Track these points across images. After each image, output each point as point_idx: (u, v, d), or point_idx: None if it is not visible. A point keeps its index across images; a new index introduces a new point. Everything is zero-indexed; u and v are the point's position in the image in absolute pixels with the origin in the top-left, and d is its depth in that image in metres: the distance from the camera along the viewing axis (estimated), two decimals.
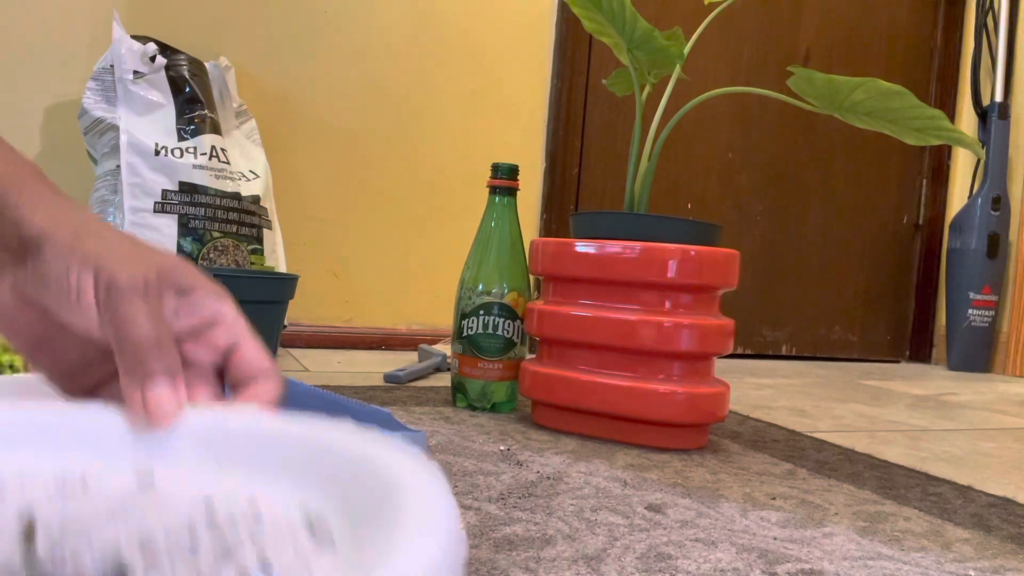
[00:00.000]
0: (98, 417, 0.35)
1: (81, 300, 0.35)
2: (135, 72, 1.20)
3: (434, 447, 0.70)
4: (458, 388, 0.90)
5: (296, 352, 1.36)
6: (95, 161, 1.24)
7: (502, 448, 0.72)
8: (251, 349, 0.40)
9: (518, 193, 0.92)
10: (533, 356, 0.88)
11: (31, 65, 1.29)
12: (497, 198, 0.91)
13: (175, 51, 1.27)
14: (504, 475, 0.63)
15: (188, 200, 1.17)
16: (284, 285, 0.87)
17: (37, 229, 0.36)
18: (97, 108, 1.19)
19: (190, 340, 0.39)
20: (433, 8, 1.54)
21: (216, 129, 1.23)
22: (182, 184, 1.17)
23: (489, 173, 0.92)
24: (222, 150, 1.22)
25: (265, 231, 1.25)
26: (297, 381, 0.72)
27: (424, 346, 1.30)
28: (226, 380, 0.40)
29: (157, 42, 1.24)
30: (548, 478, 0.63)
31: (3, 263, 0.37)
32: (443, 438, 0.74)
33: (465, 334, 0.89)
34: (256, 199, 1.24)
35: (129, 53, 1.20)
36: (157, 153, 1.16)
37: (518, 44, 1.61)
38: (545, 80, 1.64)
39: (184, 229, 1.16)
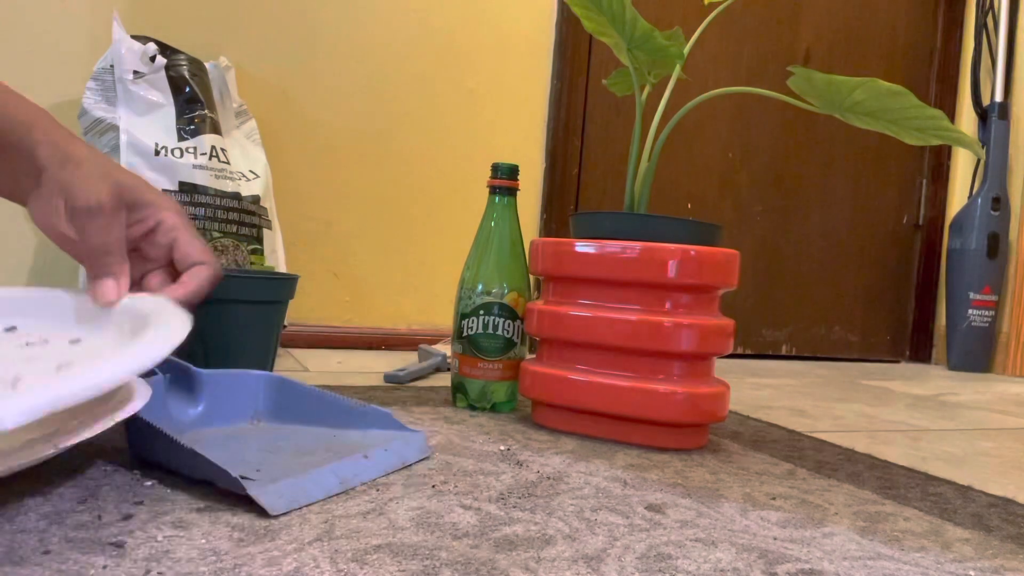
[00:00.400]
0: (64, 296, 0.57)
1: (59, 217, 0.51)
2: (135, 72, 1.20)
3: (434, 447, 0.70)
4: (458, 388, 0.90)
5: (296, 352, 1.36)
6: None
7: (502, 448, 0.72)
8: (187, 243, 0.56)
9: (518, 193, 0.92)
10: (533, 356, 0.88)
11: (31, 65, 1.29)
12: (497, 198, 0.91)
13: (175, 51, 1.27)
14: (504, 475, 0.63)
15: (188, 200, 1.16)
16: (284, 285, 0.87)
17: (41, 162, 0.51)
18: (97, 108, 1.19)
19: (143, 241, 0.55)
20: (433, 8, 1.54)
21: (216, 129, 1.23)
22: (182, 184, 1.16)
23: (489, 173, 0.92)
24: (222, 150, 1.22)
25: (265, 231, 1.25)
26: (297, 381, 0.72)
27: (424, 346, 1.30)
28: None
29: (157, 42, 1.24)
30: (548, 478, 0.63)
31: (30, 187, 0.53)
32: (443, 438, 0.74)
33: (465, 334, 0.89)
34: (256, 199, 1.24)
35: (129, 53, 1.20)
36: (157, 153, 1.16)
37: (518, 44, 1.61)
38: (545, 80, 1.64)
39: None
